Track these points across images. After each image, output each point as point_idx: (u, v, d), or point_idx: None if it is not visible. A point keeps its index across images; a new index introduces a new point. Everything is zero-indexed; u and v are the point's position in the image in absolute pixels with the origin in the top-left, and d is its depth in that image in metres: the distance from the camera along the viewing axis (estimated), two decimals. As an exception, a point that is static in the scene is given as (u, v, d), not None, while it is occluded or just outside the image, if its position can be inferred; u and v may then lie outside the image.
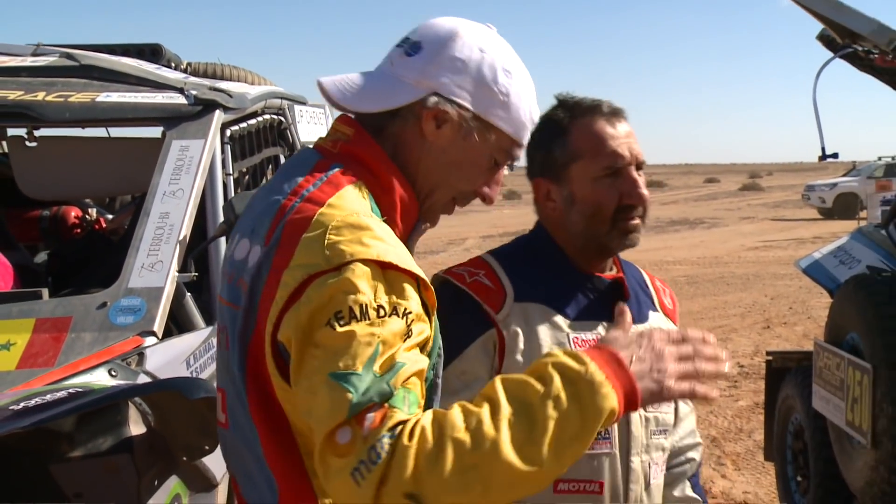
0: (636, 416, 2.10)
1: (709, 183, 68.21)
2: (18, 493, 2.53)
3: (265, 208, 1.60)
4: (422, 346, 1.52)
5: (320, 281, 1.44)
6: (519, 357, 2.04)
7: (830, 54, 4.44)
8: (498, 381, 1.45)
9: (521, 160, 2.00)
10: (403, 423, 1.38)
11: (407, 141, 1.68)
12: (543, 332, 2.07)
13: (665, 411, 2.19)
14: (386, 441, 1.36)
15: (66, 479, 2.55)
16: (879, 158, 30.89)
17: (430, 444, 1.36)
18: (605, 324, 2.12)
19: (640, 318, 2.17)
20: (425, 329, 1.52)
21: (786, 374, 5.58)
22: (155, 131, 3.63)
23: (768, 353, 5.93)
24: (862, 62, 4.49)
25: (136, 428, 2.50)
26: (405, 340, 1.46)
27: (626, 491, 2.10)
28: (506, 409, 1.39)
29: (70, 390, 2.33)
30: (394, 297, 1.46)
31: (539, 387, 1.42)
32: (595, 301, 2.14)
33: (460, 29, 1.69)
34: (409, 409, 1.42)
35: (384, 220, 1.58)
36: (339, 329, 1.41)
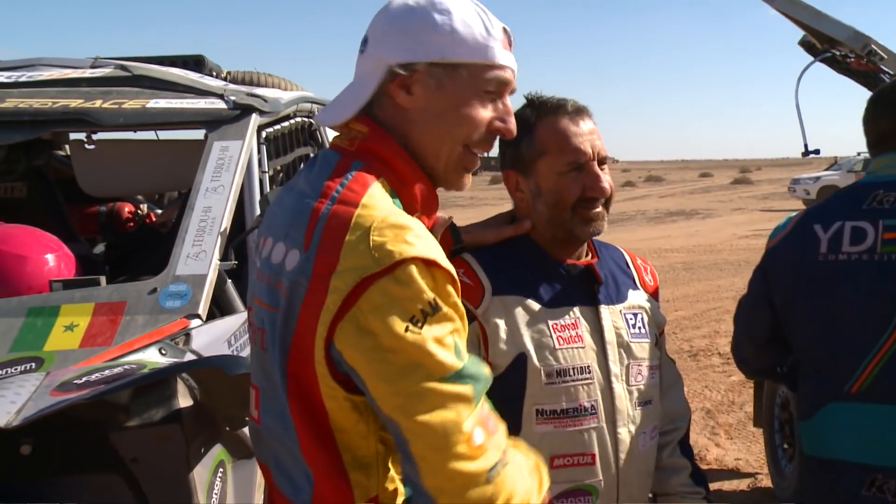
0: (620, 390, 2.10)
1: (703, 177, 67.66)
2: (83, 458, 2.58)
3: (297, 211, 1.52)
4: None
5: (378, 286, 1.39)
6: (502, 346, 2.03)
7: (811, 59, 4.42)
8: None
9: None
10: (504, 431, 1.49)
11: (394, 121, 1.58)
12: (522, 321, 2.06)
13: (648, 383, 2.17)
14: (506, 453, 1.46)
15: (124, 446, 2.57)
16: (859, 154, 30.63)
17: (518, 466, 1.49)
18: (582, 307, 2.12)
19: (618, 298, 2.18)
20: (465, 320, 1.49)
21: (772, 351, 5.54)
22: (198, 133, 3.65)
23: (756, 332, 5.89)
24: (840, 65, 4.47)
25: (184, 401, 2.52)
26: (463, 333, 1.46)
27: (616, 460, 2.09)
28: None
29: (125, 367, 2.36)
30: (445, 294, 1.43)
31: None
32: (569, 287, 2.13)
33: (389, 3, 1.60)
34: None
35: (405, 212, 1.53)
36: (421, 333, 1.38)
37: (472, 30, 1.55)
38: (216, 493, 2.72)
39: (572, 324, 2.08)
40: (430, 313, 1.39)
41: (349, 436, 1.50)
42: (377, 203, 1.47)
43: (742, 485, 5.84)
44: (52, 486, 2.61)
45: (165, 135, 4.57)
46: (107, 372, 2.32)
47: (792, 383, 2.60)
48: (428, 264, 1.41)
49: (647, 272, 2.33)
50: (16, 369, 2.70)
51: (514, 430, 1.96)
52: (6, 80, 3.76)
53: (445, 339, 1.40)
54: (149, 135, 4.41)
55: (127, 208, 5.06)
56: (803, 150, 4.23)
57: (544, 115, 2.10)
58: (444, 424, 1.38)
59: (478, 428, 1.40)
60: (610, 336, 2.11)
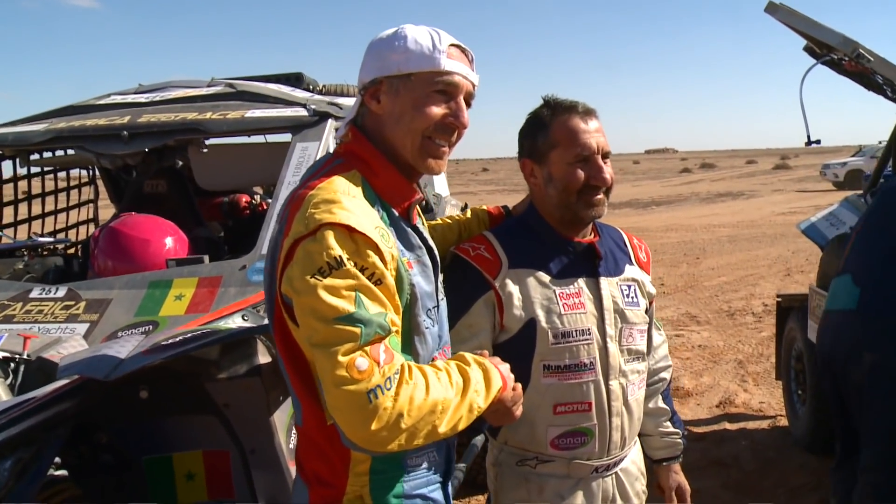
0: (614, 349, 2.07)
1: (749, 164, 65.10)
2: (187, 402, 2.61)
3: (289, 198, 1.62)
4: (390, 295, 1.51)
5: (302, 245, 1.47)
6: (516, 312, 2.03)
7: (814, 62, 4.18)
8: (452, 361, 1.62)
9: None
10: (402, 365, 1.47)
11: (373, 126, 1.68)
12: (533, 290, 2.04)
13: (638, 343, 2.13)
14: (395, 377, 1.44)
15: (217, 394, 2.59)
16: (880, 142, 28.99)
17: (420, 386, 1.48)
18: (583, 279, 2.09)
19: (616, 271, 2.14)
20: (387, 278, 1.51)
21: (790, 311, 5.29)
22: (286, 137, 3.63)
23: (778, 296, 5.64)
24: (838, 67, 4.25)
25: (262, 357, 2.51)
26: (378, 287, 1.47)
27: (609, 407, 2.07)
28: (454, 376, 1.56)
29: (201, 331, 2.36)
30: (360, 254, 1.47)
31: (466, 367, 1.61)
32: (574, 261, 2.10)
33: (371, 41, 1.70)
34: (399, 351, 1.50)
35: (378, 197, 1.61)
36: (324, 281, 1.43)
37: (421, 46, 1.63)
38: (294, 435, 2.71)
39: (576, 293, 2.05)
40: (335, 267, 1.44)
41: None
42: (329, 186, 1.54)
43: (764, 424, 5.60)
44: (165, 424, 2.65)
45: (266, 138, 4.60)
46: (197, 333, 2.32)
47: None
48: (350, 230, 1.46)
49: (642, 250, 2.28)
50: (138, 330, 2.76)
51: (524, 381, 1.98)
52: (144, 100, 3.85)
53: (342, 290, 1.44)
54: (255, 139, 4.43)
55: (244, 199, 5.12)
56: (806, 139, 3.99)
57: (558, 113, 2.07)
58: (328, 353, 1.43)
59: (361, 358, 1.42)
60: (608, 303, 2.08)
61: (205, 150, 3.69)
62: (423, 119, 1.62)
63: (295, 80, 4.36)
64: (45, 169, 4.62)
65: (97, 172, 4.98)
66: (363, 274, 1.45)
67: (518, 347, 2.02)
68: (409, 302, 1.59)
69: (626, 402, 2.09)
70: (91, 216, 4.80)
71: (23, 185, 4.45)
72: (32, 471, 1.98)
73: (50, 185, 4.64)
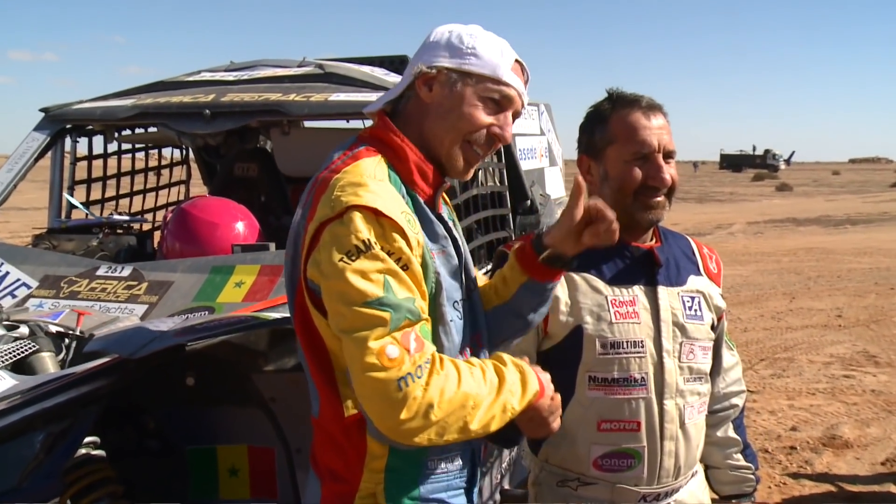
0: (671, 366, 2.09)
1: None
2: (234, 393, 2.82)
3: (312, 182, 1.74)
4: (417, 281, 1.62)
5: (329, 228, 1.59)
6: (561, 317, 2.09)
7: None
8: (488, 360, 1.71)
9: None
10: (433, 354, 1.57)
11: (415, 112, 1.79)
12: (583, 294, 2.09)
13: (700, 361, 2.14)
14: (426, 366, 1.54)
15: (264, 386, 2.79)
16: None
17: (452, 378, 1.58)
18: (641, 287, 2.12)
19: (677, 281, 2.16)
20: (414, 264, 1.61)
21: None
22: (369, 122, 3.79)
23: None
24: None
25: (311, 350, 2.68)
26: (405, 273, 1.58)
27: (661, 429, 2.09)
28: (489, 374, 1.66)
29: (243, 317, 2.56)
30: (387, 238, 1.57)
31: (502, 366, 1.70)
32: (630, 267, 2.13)
33: (433, 31, 1.84)
34: (430, 340, 1.61)
35: (404, 183, 1.71)
36: (353, 264, 1.54)
37: (490, 52, 1.77)
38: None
39: (630, 301, 2.10)
40: (363, 250, 1.55)
41: (339, 357, 1.65)
42: (355, 170, 1.66)
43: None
44: (210, 414, 2.89)
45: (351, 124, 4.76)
46: (225, 320, 2.51)
47: None
48: (376, 213, 1.57)
49: (713, 261, 2.30)
50: (194, 315, 3.01)
51: (568, 393, 2.06)
52: (232, 79, 4.13)
53: (371, 273, 1.55)
54: (341, 123, 4.65)
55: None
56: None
57: (620, 107, 2.13)
58: (357, 339, 1.54)
59: (391, 345, 1.53)
60: (665, 315, 2.11)
61: (287, 134, 3.92)
62: (470, 122, 1.75)
63: (399, 63, 4.52)
64: (137, 146, 5.04)
65: (190, 153, 5.38)
66: (391, 258, 1.57)
67: (563, 356, 2.08)
68: (435, 291, 1.69)
69: (682, 426, 2.10)
70: (182, 198, 5.20)
71: (113, 162, 4.89)
72: (63, 446, 2.23)
73: (140, 164, 5.06)
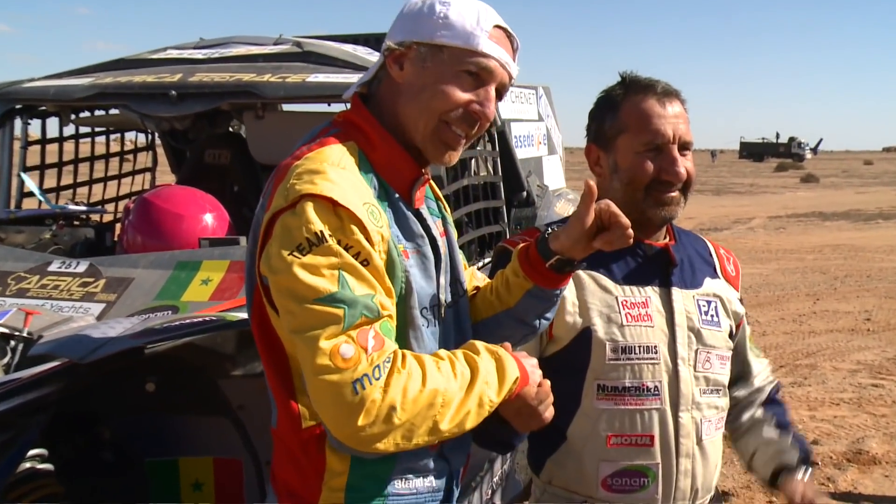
0: (686, 375, 2.09)
1: None
2: (198, 400, 2.82)
3: (275, 170, 1.73)
4: (380, 277, 1.60)
5: (281, 219, 1.58)
6: (568, 318, 2.08)
7: None
8: (458, 350, 1.69)
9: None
10: (394, 352, 1.55)
11: (388, 94, 1.78)
12: (591, 294, 2.09)
13: (717, 371, 2.14)
14: (386, 365, 1.52)
15: (231, 393, 2.79)
16: None
17: (416, 376, 1.56)
18: (654, 288, 2.12)
19: (693, 283, 2.17)
20: (375, 259, 1.59)
21: None
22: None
23: None
24: None
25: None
26: (364, 268, 1.57)
27: (677, 445, 2.08)
28: (459, 366, 1.64)
29: (204, 318, 2.55)
30: (345, 231, 1.56)
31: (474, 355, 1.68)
32: (643, 266, 2.13)
33: (406, 3, 1.82)
34: (392, 338, 1.58)
35: (377, 175, 1.71)
36: (303, 259, 1.53)
37: (463, 20, 1.73)
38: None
39: (642, 302, 2.10)
40: (315, 243, 1.54)
41: (297, 361, 1.65)
42: (317, 157, 1.66)
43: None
44: (173, 423, 2.88)
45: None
46: (186, 321, 2.51)
47: None
48: (333, 203, 1.56)
49: (730, 262, 2.31)
50: (156, 315, 3.00)
51: (574, 404, 2.07)
52: (200, 57, 4.13)
53: (323, 268, 1.54)
54: (321, 107, 4.64)
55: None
56: None
57: (632, 93, 2.12)
58: (308, 339, 1.53)
59: (346, 344, 1.51)
60: (680, 319, 2.11)
61: (262, 117, 3.91)
62: (444, 100, 1.72)
63: (375, 41, 4.52)
64: (96, 130, 5.04)
65: (157, 138, 5.38)
66: (348, 252, 1.56)
67: (569, 361, 2.07)
68: (404, 293, 1.69)
69: (699, 442, 2.10)
70: (148, 187, 5.19)
71: (70, 147, 4.87)
72: (5, 459, 2.21)
73: (101, 150, 5.05)
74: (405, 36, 1.75)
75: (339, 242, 1.55)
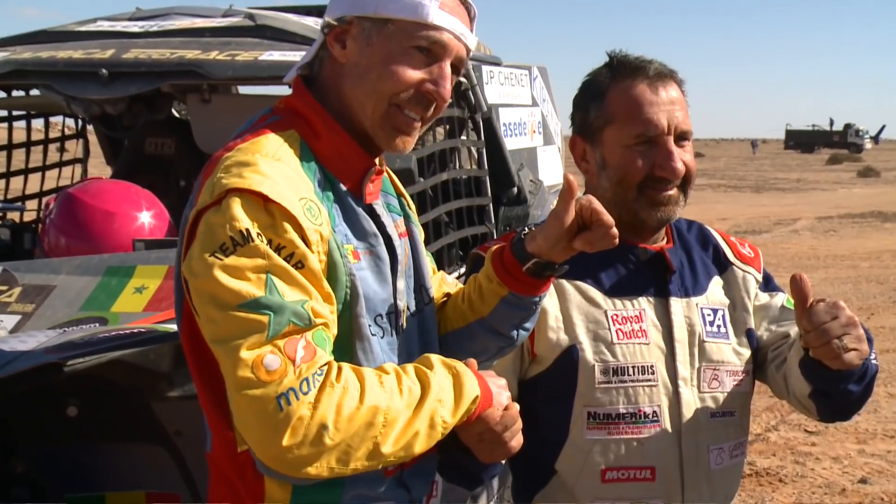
0: (689, 396, 2.10)
1: None
2: (128, 425, 2.87)
3: (207, 162, 1.77)
4: (316, 281, 1.64)
5: (205, 217, 1.62)
6: (551, 335, 2.08)
7: None
8: (409, 364, 1.70)
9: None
10: (328, 363, 1.58)
11: (331, 76, 1.82)
12: (576, 308, 2.09)
13: (727, 389, 2.14)
14: (316, 378, 1.55)
15: (166, 417, 2.83)
16: None
17: (353, 391, 1.57)
18: (649, 299, 2.12)
19: (694, 290, 2.17)
20: (311, 261, 1.63)
21: None
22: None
23: None
24: None
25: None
26: (297, 270, 1.61)
27: (682, 476, 2.09)
28: (407, 381, 1.65)
29: (131, 331, 2.60)
30: (276, 229, 1.60)
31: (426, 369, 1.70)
32: (636, 274, 2.14)
33: None
34: (328, 349, 1.61)
35: (322, 167, 1.75)
36: (225, 260, 1.57)
37: None
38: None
39: (635, 316, 2.10)
40: (239, 243, 1.58)
41: None
42: (251, 147, 1.70)
43: None
44: (98, 452, 2.93)
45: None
46: (112, 334, 2.56)
47: None
48: (264, 199, 1.60)
49: (745, 246, 2.30)
50: (80, 327, 3.04)
51: (561, 434, 2.07)
52: (137, 30, 4.14)
53: (247, 271, 1.57)
54: (278, 90, 4.69)
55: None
56: None
57: (620, 77, 2.13)
58: (229, 349, 1.56)
59: (270, 355, 1.54)
60: (680, 333, 2.12)
61: (208, 101, 3.94)
62: (393, 80, 1.76)
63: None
64: (14, 114, 5.05)
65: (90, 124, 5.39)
66: (278, 253, 1.59)
67: (553, 385, 2.08)
68: (350, 299, 1.73)
69: (707, 472, 2.11)
70: (78, 181, 5.20)
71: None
72: None
73: (20, 137, 5.05)
74: (346, 10, 1.79)
75: (268, 242, 1.59)
